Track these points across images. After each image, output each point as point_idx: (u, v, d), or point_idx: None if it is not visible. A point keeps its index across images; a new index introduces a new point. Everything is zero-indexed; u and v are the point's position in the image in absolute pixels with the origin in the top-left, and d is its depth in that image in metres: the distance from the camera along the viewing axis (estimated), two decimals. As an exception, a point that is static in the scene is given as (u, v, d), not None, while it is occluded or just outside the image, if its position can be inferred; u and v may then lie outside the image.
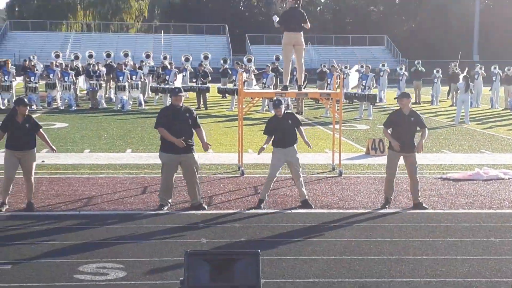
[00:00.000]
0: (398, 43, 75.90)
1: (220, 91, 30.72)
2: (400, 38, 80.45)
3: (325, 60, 54.74)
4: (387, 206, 10.74)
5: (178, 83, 26.96)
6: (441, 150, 17.55)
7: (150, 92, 32.45)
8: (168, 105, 11.05)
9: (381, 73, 34.08)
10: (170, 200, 10.53)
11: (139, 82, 28.46)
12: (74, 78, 28.00)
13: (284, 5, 15.43)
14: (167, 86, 28.06)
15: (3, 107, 26.50)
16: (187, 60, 33.54)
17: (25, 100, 10.58)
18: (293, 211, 10.49)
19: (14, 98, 27.20)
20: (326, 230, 9.45)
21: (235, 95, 26.39)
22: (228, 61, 36.08)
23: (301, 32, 13.41)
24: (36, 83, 27.30)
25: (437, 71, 33.44)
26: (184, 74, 31.12)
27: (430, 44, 76.24)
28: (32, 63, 31.10)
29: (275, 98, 11.76)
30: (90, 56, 33.77)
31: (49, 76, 27.77)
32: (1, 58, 36.53)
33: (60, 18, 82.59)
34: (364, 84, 25.88)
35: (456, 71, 32.16)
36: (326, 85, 28.70)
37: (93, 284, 7.18)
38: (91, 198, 11.20)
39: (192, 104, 28.94)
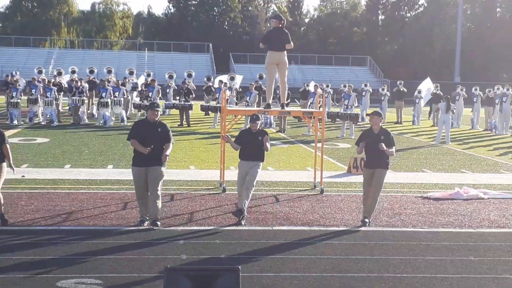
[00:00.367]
0: (380, 64, 76.61)
1: (203, 108, 30.74)
2: (383, 59, 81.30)
3: (308, 79, 55.06)
4: (366, 225, 10.77)
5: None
6: (422, 169, 17.65)
7: (132, 109, 32.40)
8: (142, 119, 11.01)
9: (364, 93, 34.28)
10: (159, 217, 10.46)
11: (122, 99, 28.42)
12: (56, 94, 27.90)
13: (268, 25, 15.49)
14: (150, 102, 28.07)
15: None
16: (170, 77, 33.58)
17: None
18: (274, 228, 10.49)
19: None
20: (307, 247, 9.44)
21: (218, 112, 26.45)
22: (212, 79, 36.15)
23: (285, 52, 13.52)
24: (18, 98, 27.19)
25: (419, 92, 33.70)
26: (167, 91, 31.13)
27: (412, 65, 77.00)
28: (15, 79, 30.99)
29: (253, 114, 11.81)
30: (73, 72, 33.69)
31: (32, 92, 27.67)
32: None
33: (44, 35, 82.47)
34: (346, 103, 26.08)
35: (438, 92, 32.45)
36: (308, 104, 28.83)
37: (71, 299, 7.11)
38: (71, 213, 11.13)
39: (175, 121, 28.95)
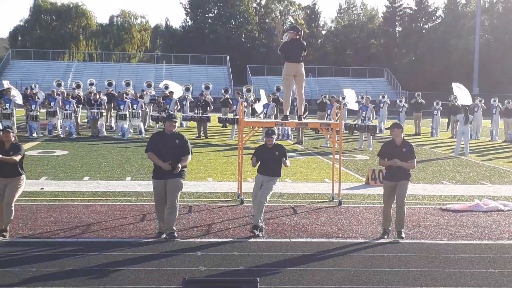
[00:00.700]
0: (398, 75, 76.38)
1: (220, 120, 30.82)
2: (400, 70, 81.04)
3: (326, 91, 55.01)
4: (385, 237, 10.72)
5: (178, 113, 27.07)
6: (441, 181, 17.53)
7: (150, 121, 32.56)
8: (160, 131, 11.03)
9: (381, 105, 34.22)
10: (175, 229, 10.46)
11: (140, 111, 28.58)
12: (75, 106, 28.12)
13: (286, 37, 15.57)
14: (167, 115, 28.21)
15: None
16: (187, 89, 33.70)
17: (9, 126, 10.61)
18: (292, 240, 10.46)
19: (15, 126, 27.58)
20: (325, 259, 9.40)
21: (235, 124, 26.49)
22: (229, 91, 36.25)
23: (302, 63, 13.52)
24: (37, 111, 27.44)
25: (437, 103, 33.59)
26: (184, 104, 31.27)
27: (430, 77, 76.71)
28: (34, 92, 31.28)
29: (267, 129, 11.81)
30: (91, 84, 33.95)
31: (51, 104, 27.91)
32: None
33: (63, 48, 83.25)
34: (364, 115, 26.02)
35: (456, 104, 32.30)
36: (326, 115, 28.81)
37: (90, 310, 7.13)
38: (90, 225, 11.17)
39: (192, 133, 29.03)
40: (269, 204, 13.43)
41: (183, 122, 32.86)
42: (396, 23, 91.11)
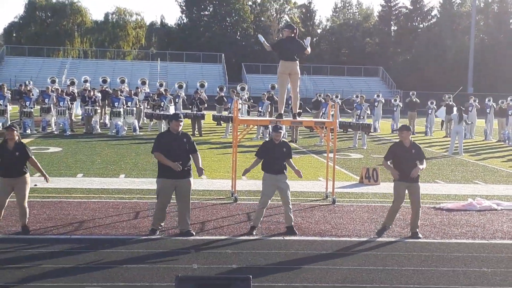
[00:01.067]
0: (393, 74, 76.52)
1: (215, 118, 30.78)
2: (396, 69, 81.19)
3: (321, 89, 55.06)
4: (382, 234, 10.75)
5: (171, 110, 27.04)
6: (435, 180, 17.56)
7: (145, 118, 32.54)
8: (166, 130, 11.00)
9: (376, 104, 34.25)
10: (162, 224, 10.50)
11: (134, 108, 28.54)
12: (69, 103, 28.06)
13: (281, 35, 15.51)
14: (162, 112, 28.22)
15: (-3, 131, 26.48)
16: (180, 87, 33.63)
17: (13, 124, 10.59)
18: (286, 238, 10.45)
19: (9, 122, 27.49)
20: (319, 257, 9.40)
21: (230, 122, 26.49)
22: (224, 89, 36.23)
23: (297, 61, 13.51)
24: (31, 108, 27.36)
25: (431, 103, 33.65)
26: (177, 101, 31.23)
27: (425, 76, 76.87)
28: (28, 88, 31.20)
29: (275, 124, 11.78)
30: (86, 81, 33.88)
31: (45, 101, 27.84)
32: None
33: (57, 45, 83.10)
34: (358, 114, 26.04)
35: (450, 103, 32.35)
36: (321, 114, 28.81)
37: (82, 308, 7.11)
38: (83, 222, 11.15)
39: (187, 131, 28.98)
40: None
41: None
42: (392, 22, 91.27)
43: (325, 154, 16.97)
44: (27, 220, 10.36)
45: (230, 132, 26.39)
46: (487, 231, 11.42)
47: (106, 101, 31.62)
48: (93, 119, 28.08)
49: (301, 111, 14.57)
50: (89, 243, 9.74)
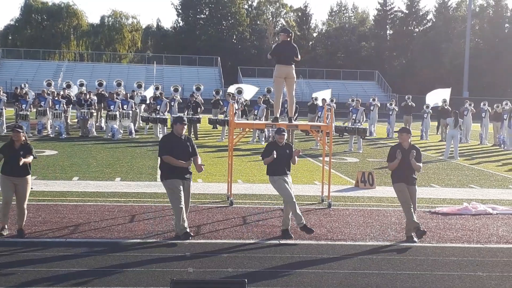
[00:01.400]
0: (389, 78, 76.65)
1: (211, 122, 30.80)
2: (391, 73, 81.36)
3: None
4: (422, 231, 10.66)
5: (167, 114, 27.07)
6: (430, 184, 17.59)
7: (141, 122, 32.53)
8: (169, 133, 11.05)
9: (372, 108, 34.29)
10: (186, 225, 10.40)
11: (130, 112, 28.53)
12: (65, 106, 28.03)
13: (277, 39, 15.62)
14: (157, 116, 28.21)
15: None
16: (176, 90, 33.61)
17: (20, 126, 10.59)
18: (281, 241, 10.46)
19: (4, 125, 27.46)
20: (314, 261, 9.41)
21: (226, 126, 26.49)
22: (220, 93, 36.20)
23: (293, 65, 13.55)
24: (27, 110, 27.32)
25: (427, 106, 33.70)
26: (172, 104, 31.23)
27: (420, 80, 77.00)
28: (24, 91, 31.16)
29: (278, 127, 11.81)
30: (81, 84, 33.86)
31: (41, 104, 27.79)
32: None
33: (53, 48, 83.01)
34: (354, 118, 26.08)
35: (446, 107, 32.42)
36: (316, 118, 28.83)
37: (77, 311, 7.10)
38: (78, 225, 11.13)
39: (182, 135, 28.97)
40: (259, 206, 13.46)
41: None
42: (387, 26, 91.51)
43: (321, 158, 16.99)
44: (23, 223, 10.35)
45: (226, 135, 26.39)
46: (482, 235, 11.44)
47: (102, 104, 31.60)
48: (89, 122, 28.07)
49: (297, 115, 14.60)
50: (85, 247, 9.73)
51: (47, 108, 27.69)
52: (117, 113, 27.40)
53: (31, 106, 28.00)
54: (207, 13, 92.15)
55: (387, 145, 27.71)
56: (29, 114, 27.63)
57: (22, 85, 36.11)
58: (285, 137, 11.25)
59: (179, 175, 10.43)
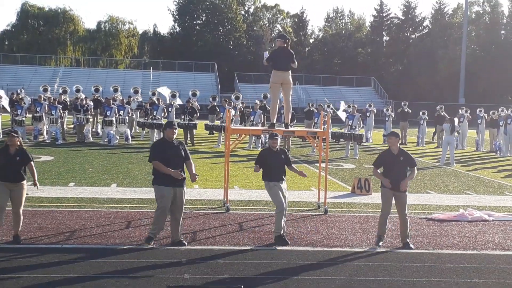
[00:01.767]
0: (385, 84, 76.76)
1: (207, 127, 30.79)
2: (387, 79, 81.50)
3: (313, 99, 55.13)
4: (380, 244, 10.74)
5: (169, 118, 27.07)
6: (426, 190, 17.60)
7: (137, 127, 32.51)
8: (160, 138, 11.02)
9: (368, 114, 34.34)
10: (157, 235, 10.46)
11: (127, 117, 28.51)
12: (61, 112, 28.00)
13: (273, 45, 15.56)
14: (154, 121, 28.20)
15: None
16: (173, 96, 33.63)
17: (15, 130, 10.57)
18: (278, 248, 10.44)
19: (0, 130, 27.40)
20: (311, 268, 9.40)
21: (222, 132, 26.48)
22: (217, 99, 36.25)
23: (289, 71, 13.56)
24: (23, 116, 27.26)
25: (423, 113, 33.76)
26: (170, 110, 31.24)
27: (416, 86, 77.20)
28: (20, 97, 31.11)
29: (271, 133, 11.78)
30: (78, 90, 33.84)
31: (37, 110, 27.75)
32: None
33: (50, 53, 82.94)
34: (350, 124, 26.09)
35: (442, 114, 32.47)
36: (313, 124, 28.87)
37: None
38: (74, 231, 11.11)
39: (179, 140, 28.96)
40: (255, 212, 13.45)
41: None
42: (384, 33, 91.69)
43: (317, 164, 16.98)
44: (19, 229, 10.31)
45: (223, 141, 26.39)
46: (478, 242, 11.44)
47: (98, 110, 31.59)
48: (85, 128, 28.03)
49: (295, 121, 14.60)
50: (80, 253, 9.70)
51: (43, 114, 27.65)
52: (114, 118, 27.38)
53: (27, 111, 27.96)
54: (203, 18, 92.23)
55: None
56: (25, 119, 27.57)
57: (19, 91, 36.06)
58: (279, 141, 11.22)
59: (170, 182, 10.29)
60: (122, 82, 61.81)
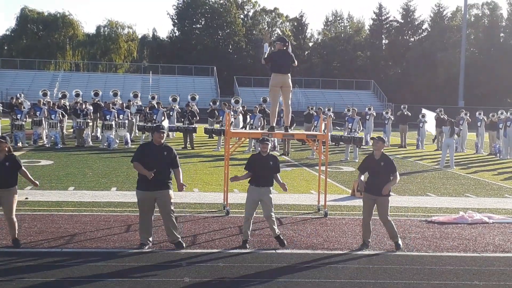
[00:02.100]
0: (384, 87, 76.77)
1: (207, 131, 30.81)
2: (387, 82, 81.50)
3: (312, 103, 55.16)
4: (364, 249, 10.75)
5: (165, 124, 27.06)
6: (426, 193, 17.60)
7: (137, 131, 32.51)
8: (148, 141, 10.99)
9: (367, 117, 34.35)
10: (150, 239, 10.42)
11: (126, 121, 28.52)
12: (61, 116, 28.01)
13: (273, 48, 15.63)
14: (154, 125, 28.20)
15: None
16: (174, 100, 33.68)
17: (3, 136, 10.53)
18: (278, 251, 10.43)
19: None
20: (311, 270, 9.38)
21: (222, 135, 26.48)
22: (217, 103, 36.28)
23: (289, 74, 13.55)
24: (23, 120, 27.28)
25: (423, 116, 33.77)
26: (171, 114, 31.26)
27: (416, 89, 77.23)
28: (19, 101, 31.13)
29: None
30: (77, 95, 33.86)
31: (36, 114, 27.77)
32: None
33: (49, 57, 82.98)
34: (350, 127, 26.10)
35: (442, 116, 32.48)
36: (313, 127, 28.88)
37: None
38: (74, 235, 11.09)
39: (179, 144, 28.99)
40: (255, 216, 13.40)
41: (170, 133, 32.84)
42: (383, 36, 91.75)
43: (317, 167, 16.97)
44: (16, 233, 10.27)
45: (222, 145, 26.39)
46: (478, 244, 11.43)
47: (98, 114, 31.60)
48: (84, 132, 28.04)
49: (294, 124, 14.59)
50: (80, 257, 9.69)
51: (43, 118, 27.67)
52: (113, 123, 27.39)
53: (27, 116, 27.97)
54: (203, 22, 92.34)
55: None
56: (25, 124, 27.59)
57: (18, 95, 36.10)
58: (269, 147, 11.15)
59: (149, 186, 10.23)
60: (122, 86, 61.88)
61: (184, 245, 10.37)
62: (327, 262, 9.89)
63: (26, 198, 14.34)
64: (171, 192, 10.42)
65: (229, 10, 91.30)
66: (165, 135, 10.62)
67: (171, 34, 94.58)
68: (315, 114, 30.57)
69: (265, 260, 9.88)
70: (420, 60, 80.00)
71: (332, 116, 31.66)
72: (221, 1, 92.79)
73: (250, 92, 69.45)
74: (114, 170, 20.02)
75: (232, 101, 33.40)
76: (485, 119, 32.30)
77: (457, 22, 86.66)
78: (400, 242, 10.84)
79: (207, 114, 34.01)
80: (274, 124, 14.08)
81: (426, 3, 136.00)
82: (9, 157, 10.23)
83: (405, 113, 34.31)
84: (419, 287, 8.74)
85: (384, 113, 35.98)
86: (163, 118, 28.96)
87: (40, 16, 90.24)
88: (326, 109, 32.51)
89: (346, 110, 33.51)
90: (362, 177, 11.22)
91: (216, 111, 32.65)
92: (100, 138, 29.47)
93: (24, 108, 28.68)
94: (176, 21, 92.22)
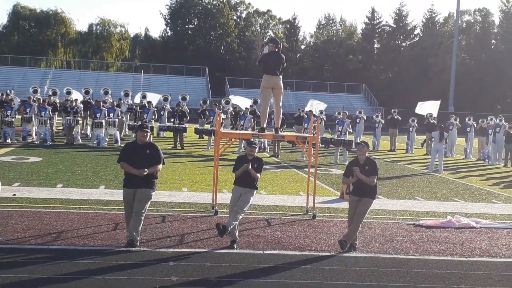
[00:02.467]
0: (375, 91, 76.98)
1: (197, 131, 30.79)
2: (378, 87, 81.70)
3: (303, 105, 55.17)
4: (351, 250, 10.79)
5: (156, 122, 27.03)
6: (415, 197, 17.65)
7: (127, 130, 32.45)
8: (132, 141, 11.00)
9: (358, 120, 34.41)
10: (138, 238, 10.39)
11: (116, 120, 28.45)
12: (51, 113, 27.91)
13: (265, 50, 15.66)
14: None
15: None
16: (165, 99, 33.64)
17: None
18: (265, 252, 10.43)
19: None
20: (298, 272, 9.39)
21: (212, 135, 26.46)
22: (208, 103, 36.26)
23: (280, 76, 13.56)
24: (12, 117, 27.17)
25: (413, 120, 33.88)
26: (162, 113, 31.20)
27: (406, 94, 77.39)
28: (9, 97, 31.00)
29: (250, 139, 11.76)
30: (68, 92, 33.75)
31: (26, 111, 27.66)
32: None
33: (40, 54, 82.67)
34: (340, 130, 26.16)
35: (432, 121, 32.59)
36: (303, 129, 28.92)
37: (58, 318, 7.03)
38: (62, 232, 11.05)
39: (169, 143, 28.94)
40: (244, 216, 13.40)
41: (160, 132, 32.80)
42: (375, 40, 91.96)
43: (307, 169, 16.99)
44: None
45: (212, 145, 26.37)
46: (465, 249, 11.48)
47: (88, 112, 31.52)
48: (74, 129, 27.94)
49: (285, 126, 14.61)
50: (67, 254, 9.65)
51: (33, 115, 27.57)
52: (103, 121, 27.33)
53: (16, 112, 27.85)
54: (195, 23, 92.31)
55: (373, 157, 27.79)
56: (14, 120, 27.47)
57: (8, 91, 35.94)
58: (256, 150, 11.21)
59: (130, 184, 10.34)
60: (113, 85, 61.72)
61: (135, 247, 10.19)
62: (315, 263, 9.90)
63: (14, 195, 14.28)
64: (152, 192, 10.44)
65: (222, 11, 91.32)
66: (148, 133, 10.61)
67: (163, 34, 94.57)
68: (306, 116, 30.60)
69: (252, 260, 9.88)
70: (412, 65, 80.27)
71: (324, 119, 31.69)
72: (214, 2, 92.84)
73: (241, 93, 69.16)
74: (103, 168, 19.97)
75: (223, 101, 33.41)
76: (475, 124, 32.45)
77: (449, 28, 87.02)
78: (347, 243, 10.77)
79: (197, 114, 33.99)
80: (265, 125, 14.10)
81: (418, 9, 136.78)
82: None
83: (395, 117, 34.40)
84: (405, 290, 8.76)
85: (374, 116, 36.06)
86: (153, 117, 28.92)
87: (32, 13, 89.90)
88: (318, 112, 32.54)
89: (336, 113, 33.54)
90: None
91: (206, 111, 32.66)
92: (90, 136, 29.39)
93: (14, 104, 28.57)
94: (168, 21, 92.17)
